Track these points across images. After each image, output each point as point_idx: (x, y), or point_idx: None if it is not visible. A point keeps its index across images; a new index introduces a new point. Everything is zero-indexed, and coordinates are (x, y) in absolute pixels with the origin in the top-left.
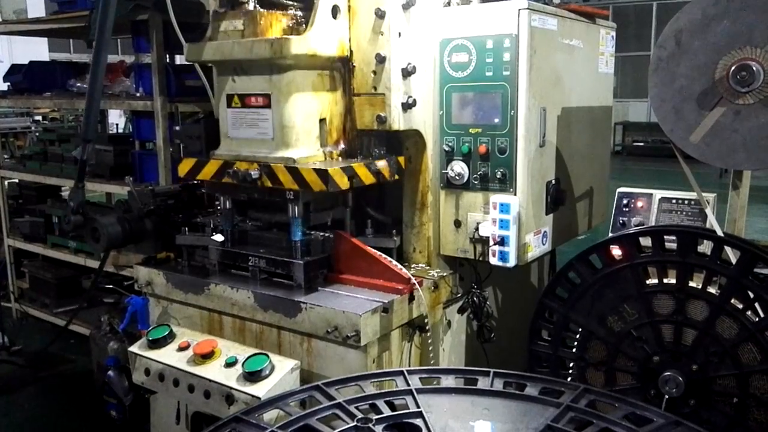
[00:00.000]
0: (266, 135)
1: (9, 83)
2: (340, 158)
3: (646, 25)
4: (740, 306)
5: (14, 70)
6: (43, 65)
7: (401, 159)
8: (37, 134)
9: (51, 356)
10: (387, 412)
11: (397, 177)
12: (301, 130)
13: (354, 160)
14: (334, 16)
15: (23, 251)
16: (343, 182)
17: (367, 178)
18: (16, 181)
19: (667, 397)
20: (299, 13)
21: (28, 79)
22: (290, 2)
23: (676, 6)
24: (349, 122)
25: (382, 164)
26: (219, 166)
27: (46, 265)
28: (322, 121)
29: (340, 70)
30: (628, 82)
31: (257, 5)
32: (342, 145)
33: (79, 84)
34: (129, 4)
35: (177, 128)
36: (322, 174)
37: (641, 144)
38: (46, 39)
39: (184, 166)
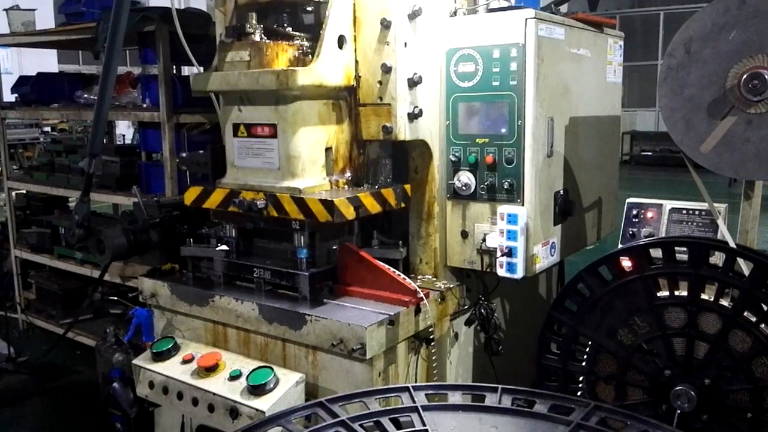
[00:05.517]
0: (272, 164)
1: (17, 94)
2: (346, 187)
3: (654, 34)
4: (753, 319)
5: (22, 82)
6: (51, 77)
7: (407, 186)
8: (45, 145)
9: (57, 367)
10: (392, 429)
11: (403, 205)
12: (307, 159)
13: (360, 189)
14: (340, 46)
15: (30, 262)
16: (349, 212)
17: (374, 207)
18: (24, 192)
19: (679, 412)
20: (306, 43)
21: (35, 90)
22: (296, 33)
23: (684, 15)
24: (355, 150)
25: (388, 192)
26: (225, 195)
27: (52, 276)
28: (328, 150)
29: (346, 99)
30: (636, 91)
31: (263, 36)
32: (348, 174)
33: (86, 95)
34: (136, 15)
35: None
36: (328, 204)
37: (649, 153)
38: (55, 51)
39: (190, 194)
